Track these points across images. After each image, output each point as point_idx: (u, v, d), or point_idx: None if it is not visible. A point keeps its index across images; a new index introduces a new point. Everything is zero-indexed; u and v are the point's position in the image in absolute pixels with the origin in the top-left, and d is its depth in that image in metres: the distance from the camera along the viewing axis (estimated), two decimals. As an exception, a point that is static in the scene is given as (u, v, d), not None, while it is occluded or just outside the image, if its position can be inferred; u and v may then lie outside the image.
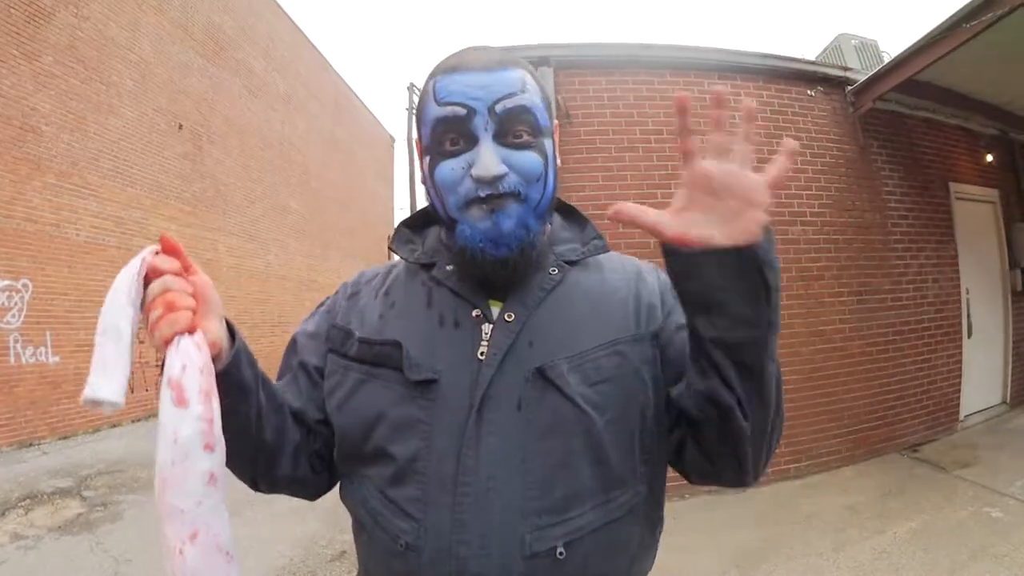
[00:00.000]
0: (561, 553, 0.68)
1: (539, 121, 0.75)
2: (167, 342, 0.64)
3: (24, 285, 6.89)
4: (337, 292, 0.91)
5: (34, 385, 6.96)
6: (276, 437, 0.78)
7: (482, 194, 0.71)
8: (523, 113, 0.73)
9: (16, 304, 6.79)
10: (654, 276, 0.86)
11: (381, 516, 0.73)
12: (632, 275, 0.84)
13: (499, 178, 0.71)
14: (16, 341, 6.78)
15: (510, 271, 0.74)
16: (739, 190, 0.59)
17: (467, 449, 0.69)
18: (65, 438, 7.22)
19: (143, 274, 0.65)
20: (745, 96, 4.33)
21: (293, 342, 0.89)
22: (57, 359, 7.24)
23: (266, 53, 12.82)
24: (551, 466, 0.69)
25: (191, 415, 0.61)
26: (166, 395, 0.62)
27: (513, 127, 0.73)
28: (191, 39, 10.03)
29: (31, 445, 6.81)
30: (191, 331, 0.65)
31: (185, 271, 0.69)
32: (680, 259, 0.63)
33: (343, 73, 18.15)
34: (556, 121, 0.82)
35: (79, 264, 7.57)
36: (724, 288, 0.61)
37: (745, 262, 0.60)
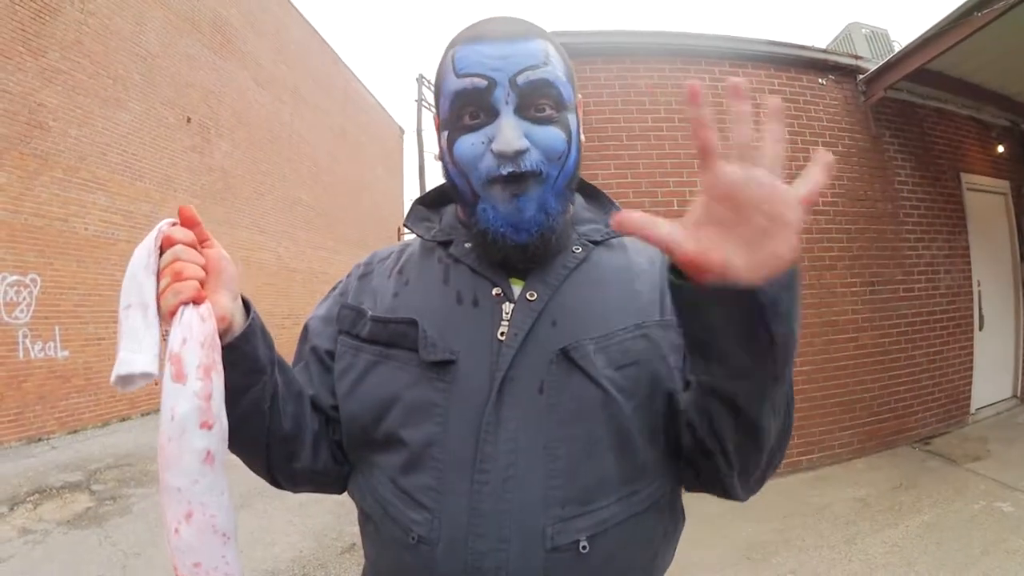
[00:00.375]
0: (584, 547, 0.64)
1: (563, 95, 0.71)
2: (172, 313, 0.61)
3: (32, 280, 6.91)
4: (350, 274, 0.87)
5: (43, 380, 6.99)
6: (294, 426, 0.75)
7: (504, 172, 0.67)
8: (546, 87, 0.69)
9: (24, 299, 6.81)
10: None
11: (392, 506, 0.69)
12: (659, 258, 0.80)
13: (520, 153, 0.67)
14: (25, 336, 6.80)
15: (530, 256, 0.72)
16: (768, 205, 0.49)
17: (486, 434, 0.65)
18: (74, 432, 7.26)
19: (159, 244, 0.65)
20: (758, 84, 4.33)
21: (305, 329, 0.86)
22: (66, 354, 7.27)
23: (274, 45, 12.79)
24: (575, 454, 0.66)
25: (188, 391, 0.60)
26: (167, 370, 0.61)
27: (536, 100, 0.69)
28: (198, 32, 10.01)
29: (40, 440, 6.84)
30: (197, 302, 0.63)
31: (201, 243, 0.67)
32: (687, 293, 0.53)
33: (352, 65, 18.10)
34: (580, 96, 0.78)
35: (88, 259, 7.59)
36: (727, 336, 0.53)
37: (758, 315, 0.50)
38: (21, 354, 6.75)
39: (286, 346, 0.71)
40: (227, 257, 0.69)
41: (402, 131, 22.49)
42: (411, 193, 22.99)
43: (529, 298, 0.71)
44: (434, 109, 0.77)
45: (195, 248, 0.66)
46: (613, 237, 0.79)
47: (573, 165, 0.73)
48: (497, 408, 0.66)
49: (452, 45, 0.73)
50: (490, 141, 0.68)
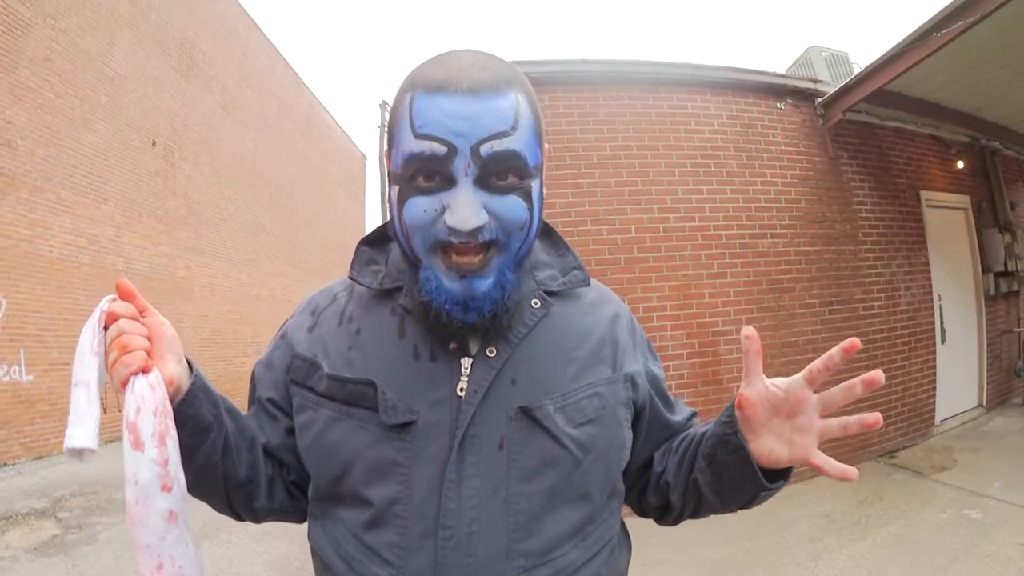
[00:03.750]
0: None
1: (529, 164, 0.66)
2: (124, 383, 0.64)
3: (-3, 302, 6.76)
4: (293, 318, 0.84)
5: (7, 404, 6.81)
6: (249, 471, 0.77)
7: (455, 240, 0.64)
8: (511, 158, 0.64)
9: (-11, 322, 6.66)
10: (628, 316, 0.86)
11: (356, 561, 0.69)
12: (610, 313, 0.82)
13: (478, 230, 0.63)
14: (-11, 360, 6.64)
15: (479, 335, 0.71)
16: (810, 430, 0.67)
17: (448, 491, 0.66)
18: (40, 458, 7.07)
19: (103, 322, 0.68)
20: (716, 110, 4.41)
21: (252, 375, 0.86)
22: (31, 378, 7.10)
23: (240, 69, 12.69)
24: (536, 508, 0.68)
25: (147, 458, 0.64)
26: (125, 438, 0.65)
27: (498, 171, 0.64)
28: (165, 54, 9.94)
29: (5, 465, 6.67)
30: (146, 371, 0.66)
31: (140, 313, 0.69)
32: (742, 450, 0.70)
33: (314, 90, 18.00)
34: (547, 146, 0.74)
35: (52, 281, 7.44)
36: (730, 481, 0.74)
37: (762, 494, 0.73)
38: (-15, 378, 6.59)
39: (248, 375, 0.74)
40: (166, 323, 0.70)
41: (364, 157, 22.35)
42: (373, 219, 22.78)
43: (489, 354, 0.71)
44: (386, 148, 0.71)
45: (136, 319, 0.68)
46: (569, 287, 0.79)
47: (535, 233, 0.71)
48: (459, 465, 0.67)
49: (412, 87, 0.65)
50: (443, 209, 0.64)
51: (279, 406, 0.81)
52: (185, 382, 0.70)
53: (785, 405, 0.67)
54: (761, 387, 0.67)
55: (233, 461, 0.74)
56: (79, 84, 7.94)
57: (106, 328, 0.67)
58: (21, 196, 7.06)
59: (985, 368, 5.75)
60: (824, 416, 0.66)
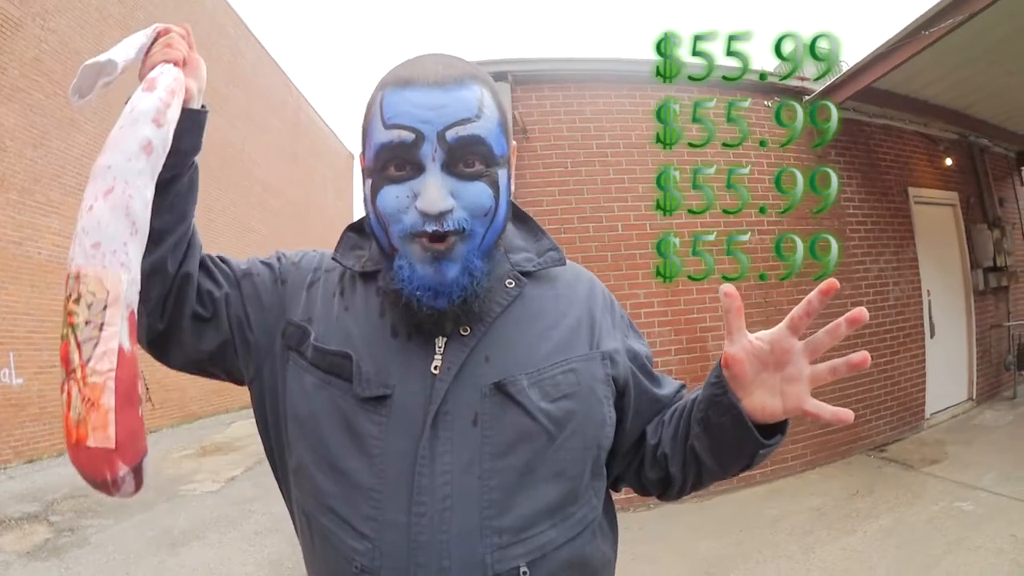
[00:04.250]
0: (525, 572, 0.67)
1: (494, 151, 0.70)
2: (154, 65, 0.71)
3: (-14, 305, 6.70)
4: (295, 261, 0.86)
5: (-3, 408, 6.76)
6: (187, 272, 0.78)
7: (428, 229, 0.67)
8: (476, 144, 0.68)
9: (-23, 325, 6.61)
10: (606, 295, 0.86)
11: (332, 534, 0.70)
12: (585, 291, 0.83)
13: (445, 213, 0.66)
14: (-22, 363, 6.59)
15: (449, 322, 0.71)
16: (800, 378, 0.66)
17: (421, 467, 0.67)
18: (31, 461, 7.01)
19: (157, 31, 0.76)
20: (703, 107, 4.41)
21: (247, 267, 0.86)
22: (21, 381, 7.04)
23: (229, 68, 12.61)
24: (509, 484, 0.68)
25: (154, 96, 0.66)
26: (138, 90, 0.68)
27: (464, 156, 0.68)
28: (156, 54, 9.87)
29: (-4, 469, 6.62)
30: (177, 65, 0.72)
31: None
32: (735, 409, 0.69)
33: (302, 88, 17.94)
34: (514, 143, 0.78)
35: (42, 283, 7.37)
36: (726, 441, 0.73)
37: (762, 451, 0.72)
38: (-27, 382, 6.54)
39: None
40: (203, 64, 0.78)
41: (351, 155, 22.36)
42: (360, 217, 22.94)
43: (462, 333, 0.72)
44: (360, 148, 0.76)
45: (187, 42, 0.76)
46: (545, 267, 0.80)
47: (502, 222, 0.73)
48: (432, 441, 0.68)
49: (383, 86, 0.71)
50: (415, 196, 0.67)
51: (216, 307, 0.80)
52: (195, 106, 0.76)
53: (771, 357, 0.66)
54: (745, 343, 0.67)
55: (188, 216, 0.79)
56: (68, 84, 7.74)
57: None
58: (10, 198, 7.00)
59: (975, 362, 5.80)
60: (813, 362, 0.66)
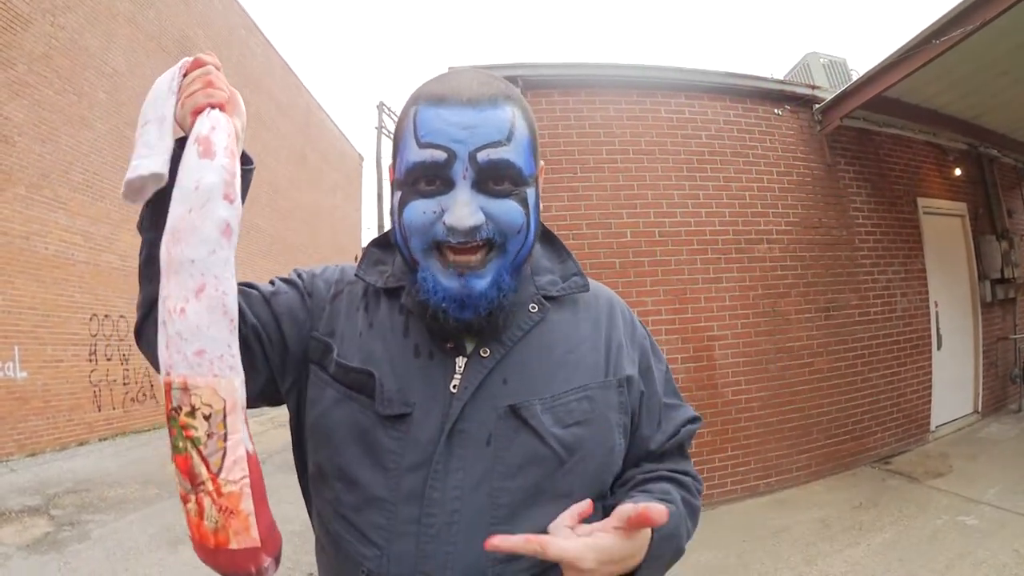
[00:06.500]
0: None
1: (523, 173, 0.71)
2: (198, 111, 0.67)
3: (-8, 298, 6.73)
4: (321, 275, 0.86)
5: (1, 401, 6.79)
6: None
7: (453, 241, 0.67)
8: (506, 167, 0.69)
9: (-17, 318, 6.63)
10: (626, 317, 0.86)
11: (344, 540, 0.73)
12: (604, 316, 0.83)
13: (475, 229, 0.67)
14: (-18, 356, 6.62)
15: (474, 332, 0.73)
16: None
17: (433, 481, 0.69)
18: (33, 455, 7.06)
19: (185, 68, 0.69)
20: (713, 115, 4.41)
21: (274, 288, 0.85)
22: (25, 374, 7.08)
23: (238, 69, 12.70)
24: (517, 503, 0.70)
25: (216, 165, 0.62)
26: (191, 151, 0.62)
27: (494, 176, 0.69)
28: (164, 52, 9.90)
29: (-2, 462, 6.65)
30: (222, 109, 0.67)
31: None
32: None
33: (313, 90, 18.00)
34: (542, 163, 0.79)
35: (48, 278, 7.43)
36: None
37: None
38: (-22, 374, 6.57)
39: None
40: (240, 97, 0.75)
41: (361, 158, 22.38)
42: (369, 221, 22.74)
43: (483, 354, 0.74)
44: (391, 159, 0.77)
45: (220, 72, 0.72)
46: (568, 293, 0.81)
47: (532, 239, 0.74)
48: (446, 457, 0.70)
49: (416, 100, 0.72)
50: (443, 212, 0.68)
51: (255, 329, 0.79)
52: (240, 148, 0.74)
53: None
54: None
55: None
56: (77, 81, 7.93)
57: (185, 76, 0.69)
58: (18, 192, 7.04)
59: (981, 374, 5.76)
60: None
